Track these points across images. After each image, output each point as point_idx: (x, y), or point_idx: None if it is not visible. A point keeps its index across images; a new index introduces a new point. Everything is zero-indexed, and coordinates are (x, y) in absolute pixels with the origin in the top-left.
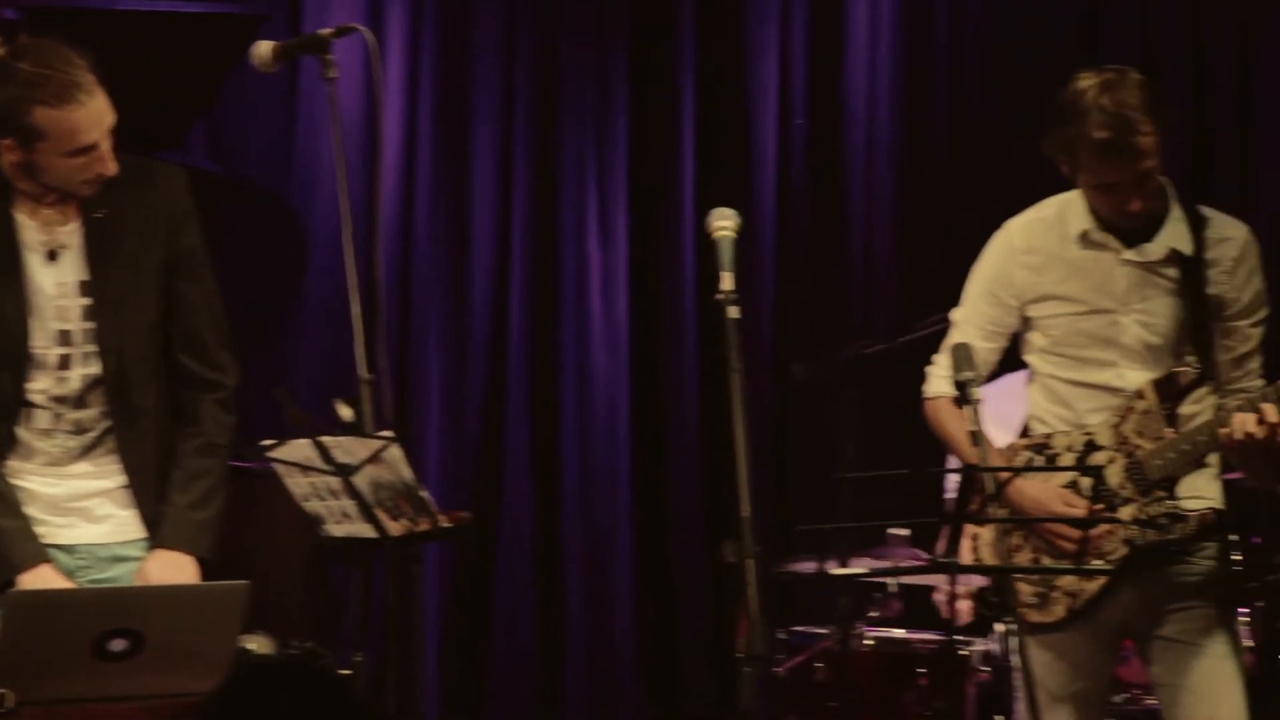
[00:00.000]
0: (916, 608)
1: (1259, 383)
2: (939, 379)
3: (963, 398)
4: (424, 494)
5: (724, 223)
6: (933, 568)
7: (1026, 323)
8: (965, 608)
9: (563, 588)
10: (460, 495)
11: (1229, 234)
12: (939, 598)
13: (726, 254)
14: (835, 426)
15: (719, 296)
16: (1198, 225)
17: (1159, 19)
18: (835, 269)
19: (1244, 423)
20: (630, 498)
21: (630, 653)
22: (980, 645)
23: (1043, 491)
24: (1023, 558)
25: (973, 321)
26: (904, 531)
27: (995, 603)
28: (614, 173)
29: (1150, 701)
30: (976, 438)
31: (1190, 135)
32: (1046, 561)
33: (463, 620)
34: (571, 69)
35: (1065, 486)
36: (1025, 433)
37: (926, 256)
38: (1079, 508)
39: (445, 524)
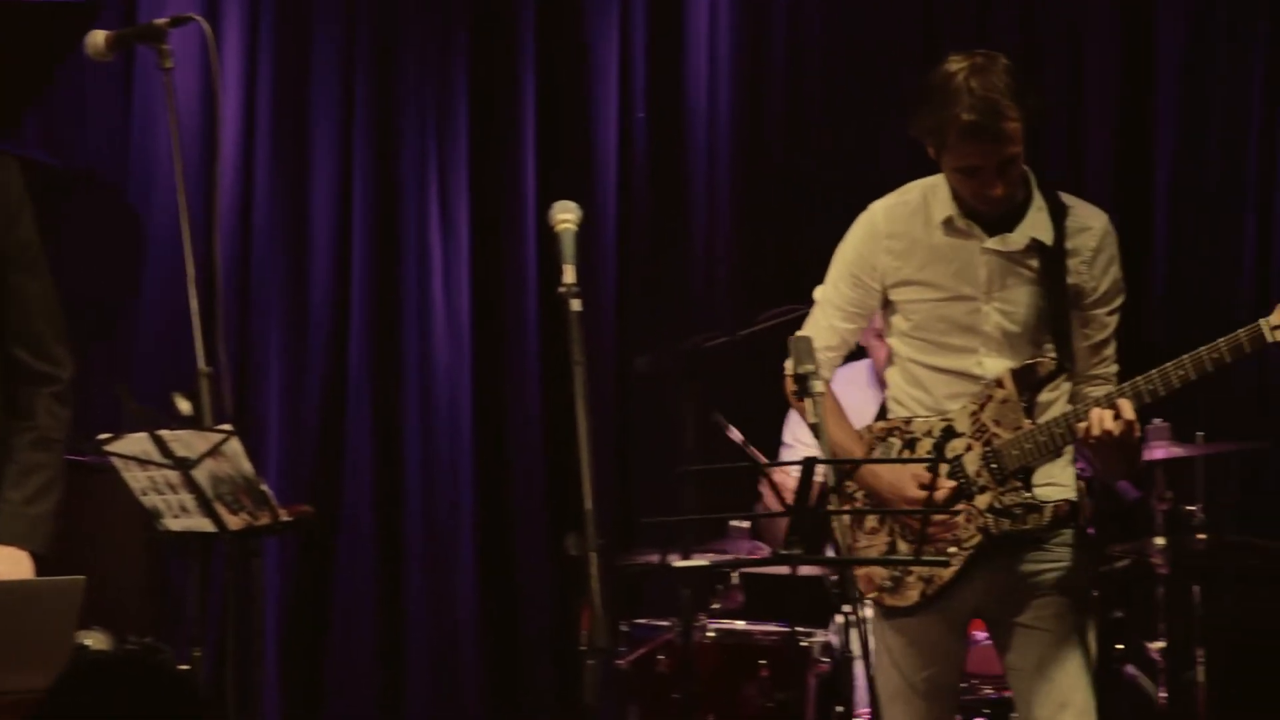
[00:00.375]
0: (758, 599)
1: (1114, 368)
2: None
3: (803, 390)
4: (264, 488)
5: (566, 216)
6: (775, 560)
7: (888, 306)
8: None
9: (404, 582)
10: (301, 489)
11: (1089, 224)
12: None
13: (569, 247)
14: (677, 419)
15: (561, 290)
16: (1058, 214)
17: (994, 14)
18: (677, 262)
19: (1101, 419)
20: (472, 491)
21: (472, 647)
22: (821, 636)
23: (897, 475)
24: (879, 540)
25: (834, 302)
26: (745, 523)
27: (836, 593)
28: (455, 166)
29: (987, 691)
30: (817, 430)
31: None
32: (902, 545)
33: (303, 616)
34: (412, 62)
35: (928, 467)
36: (883, 415)
37: (767, 249)
38: (941, 489)
39: (285, 518)
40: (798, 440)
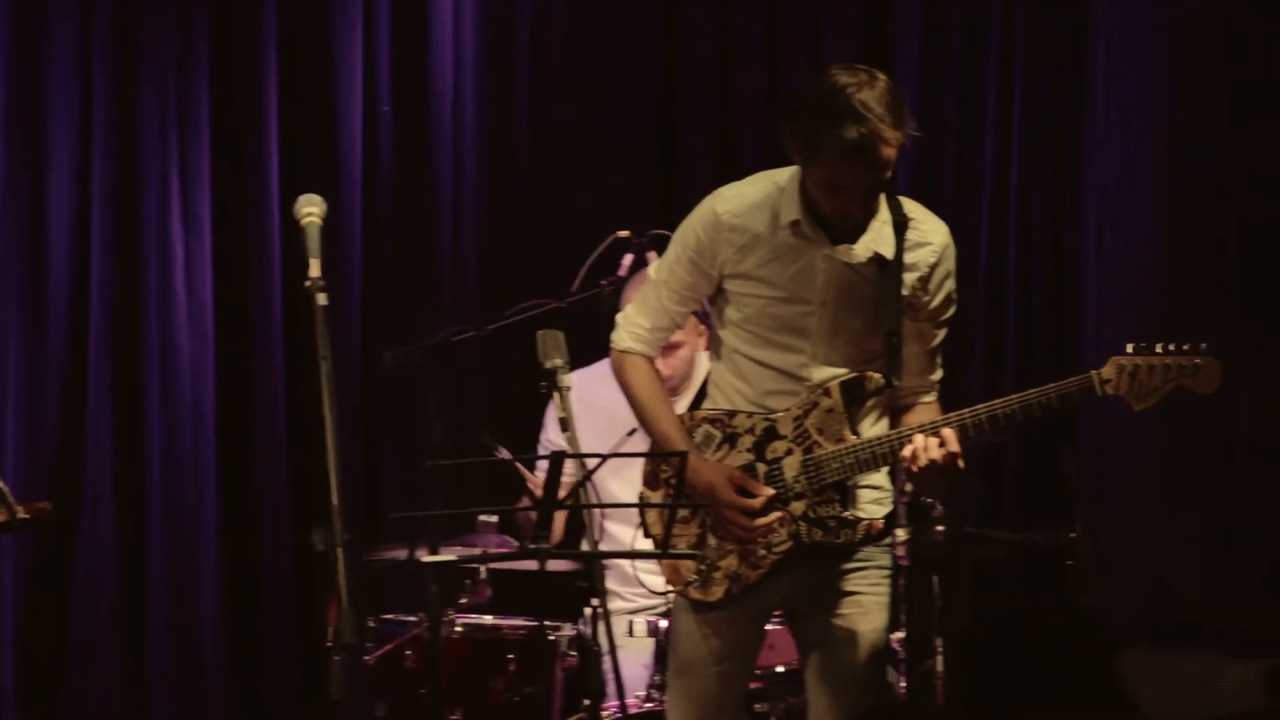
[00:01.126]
0: (506, 594)
1: (938, 375)
2: (629, 335)
3: (551, 385)
4: (1, 485)
5: (311, 209)
6: (523, 554)
7: (722, 294)
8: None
9: (147, 579)
10: (39, 486)
11: (929, 239)
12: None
13: (314, 240)
14: (425, 413)
15: (307, 283)
16: (901, 227)
17: (736, 16)
18: (424, 256)
19: (926, 446)
20: (216, 487)
21: (217, 644)
22: (568, 630)
23: (715, 472)
24: (690, 530)
25: (670, 285)
26: (493, 518)
27: (585, 587)
28: (197, 160)
29: (754, 685)
30: (565, 424)
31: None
32: (712, 540)
33: (42, 613)
34: (152, 52)
35: (743, 468)
36: (700, 401)
37: (514, 243)
38: (758, 497)
39: (24, 515)
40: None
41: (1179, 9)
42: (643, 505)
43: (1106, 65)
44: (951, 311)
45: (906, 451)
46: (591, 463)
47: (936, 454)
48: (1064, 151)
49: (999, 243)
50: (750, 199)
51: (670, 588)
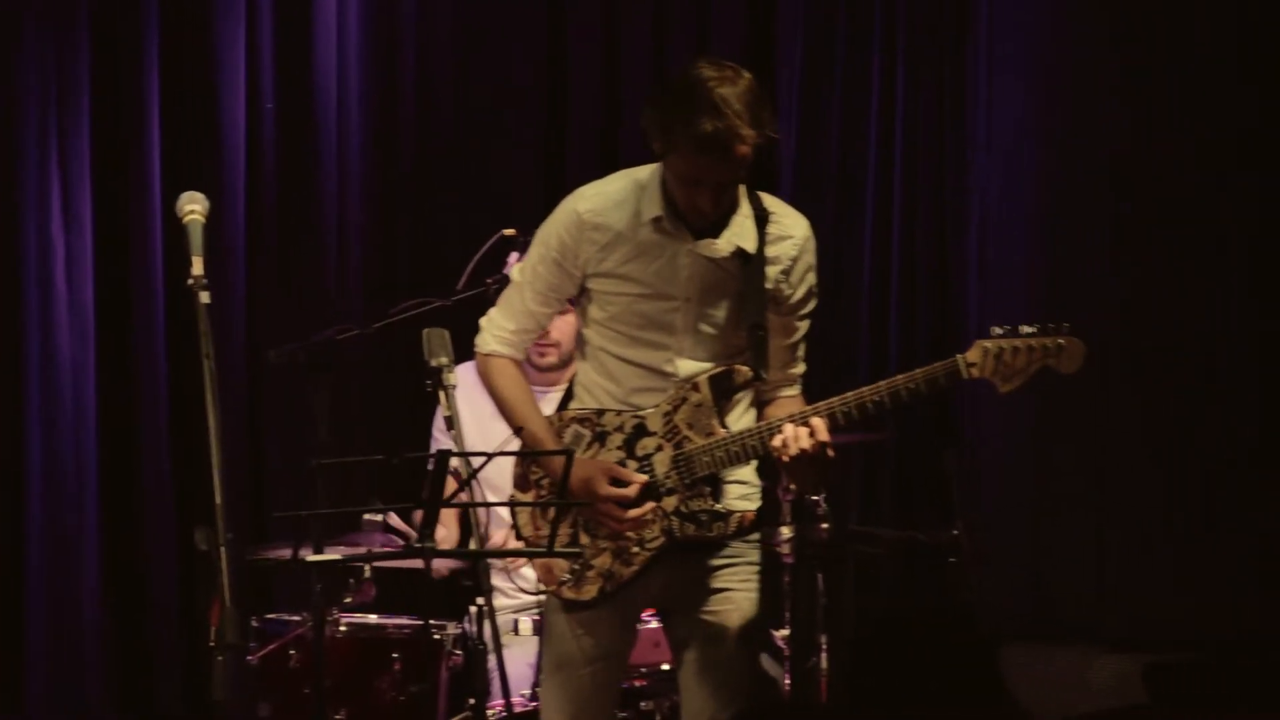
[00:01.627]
0: (391, 593)
1: (801, 368)
2: (493, 337)
3: (436, 383)
4: None
5: (193, 206)
6: (408, 553)
7: (585, 293)
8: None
9: (26, 580)
10: None
11: (790, 232)
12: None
13: (196, 238)
14: (310, 412)
15: (190, 282)
16: (762, 221)
17: (622, 15)
18: (309, 253)
19: (796, 436)
20: (97, 486)
21: (97, 643)
22: (454, 629)
23: (588, 468)
24: (562, 530)
25: (533, 285)
26: (379, 517)
27: (470, 585)
28: (77, 157)
29: (639, 683)
30: (450, 422)
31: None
32: (584, 538)
33: None
34: (32, 48)
35: (617, 462)
36: (567, 401)
37: (400, 241)
38: (632, 486)
39: None
40: (442, 433)
41: (1063, 12)
42: (517, 504)
43: (988, 69)
44: (813, 305)
45: (777, 441)
46: (477, 461)
47: (806, 443)
48: (946, 155)
49: (882, 246)
50: (612, 197)
51: (543, 587)
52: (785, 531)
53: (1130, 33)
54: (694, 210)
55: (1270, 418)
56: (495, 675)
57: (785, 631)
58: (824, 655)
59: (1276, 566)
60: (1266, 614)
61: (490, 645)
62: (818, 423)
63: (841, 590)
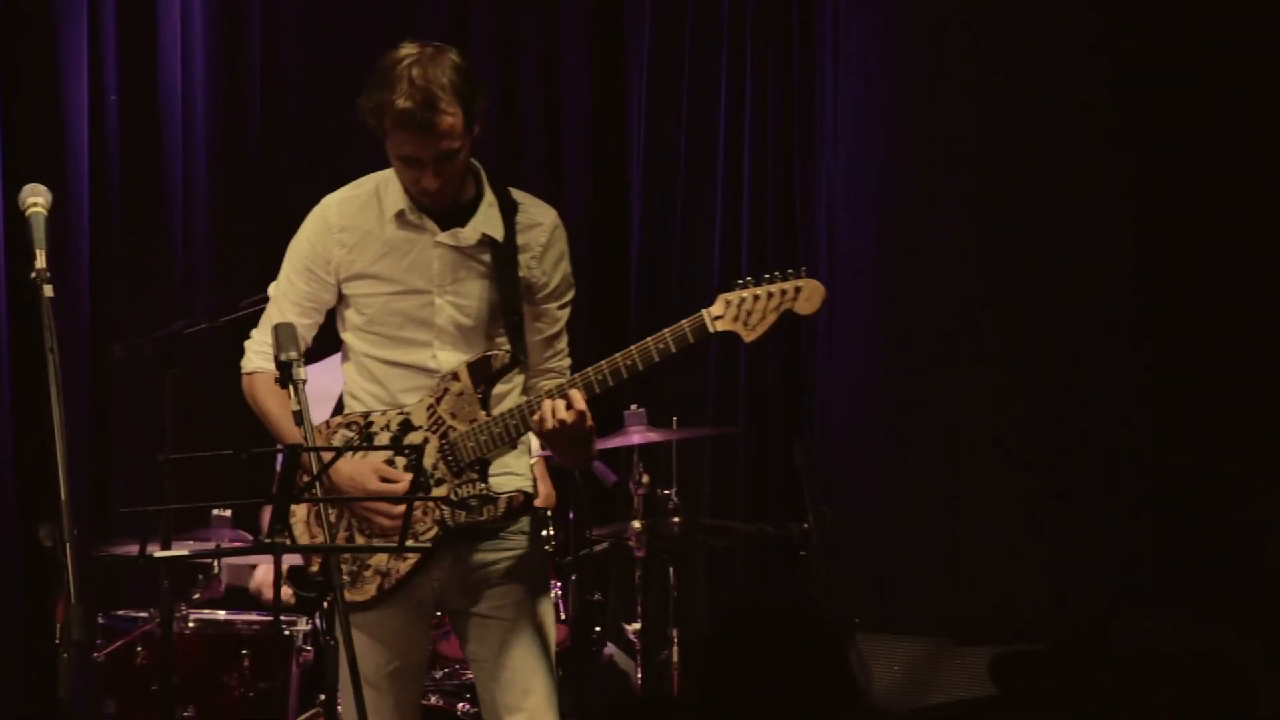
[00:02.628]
0: (241, 589)
1: (567, 361)
2: (257, 355)
3: (285, 377)
4: None
5: (36, 199)
6: (256, 548)
7: (343, 300)
8: (287, 592)
9: None
10: None
11: (539, 219)
12: (255, 585)
13: (39, 231)
14: (157, 407)
15: (33, 275)
16: (509, 210)
17: (470, 8)
18: (155, 246)
19: (554, 409)
20: None
21: None
22: (304, 625)
23: (357, 468)
24: (338, 537)
25: (289, 297)
26: (227, 512)
27: (319, 581)
28: None
29: (470, 676)
30: (300, 417)
31: (500, 121)
32: (359, 538)
33: None
34: None
35: (386, 460)
36: (339, 410)
37: (247, 234)
38: (399, 483)
39: None
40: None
41: (906, 8)
42: (378, 498)
43: (835, 63)
44: (571, 295)
45: (536, 416)
46: (328, 456)
47: (565, 415)
48: (795, 147)
49: (732, 237)
50: (357, 199)
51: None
52: (636, 525)
53: (971, 26)
54: (422, 193)
55: (1122, 410)
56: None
57: (637, 625)
58: (675, 649)
59: (1124, 559)
60: (1113, 606)
61: (341, 641)
62: (574, 394)
63: (693, 584)
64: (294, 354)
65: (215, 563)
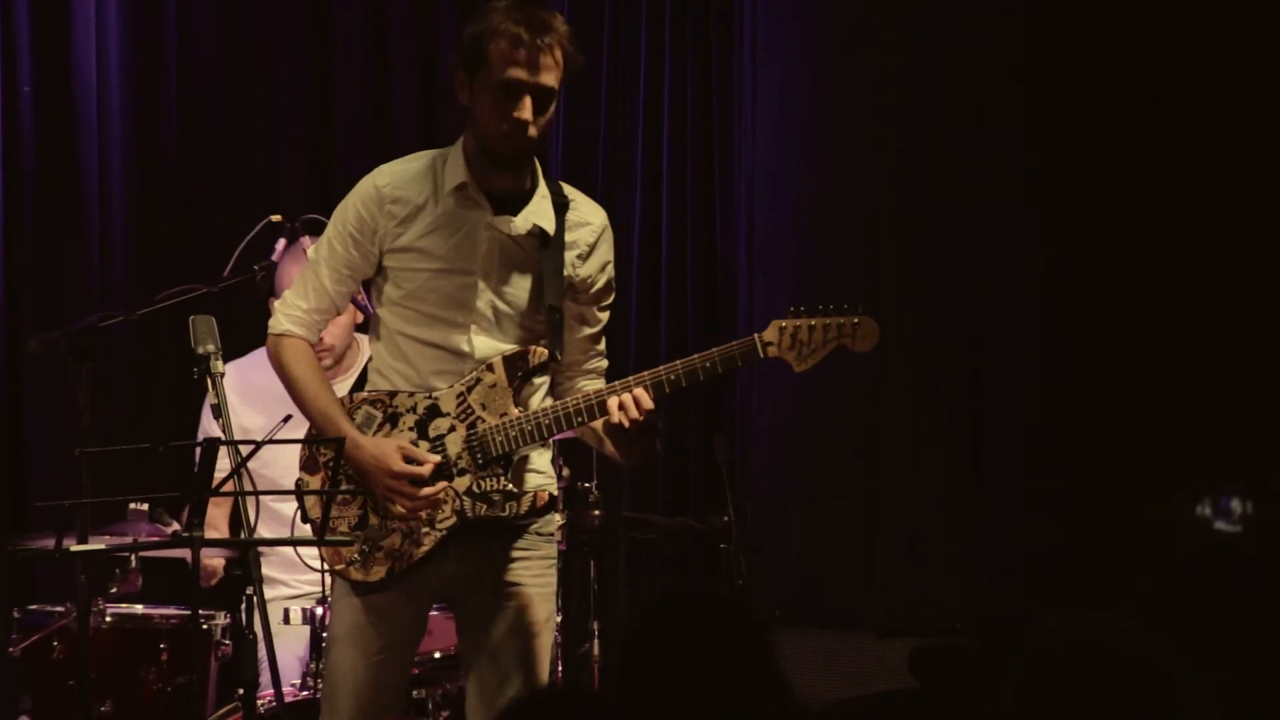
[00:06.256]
0: (158, 582)
1: (605, 364)
2: (287, 318)
3: (203, 371)
4: None
5: None
6: (175, 542)
7: (382, 272)
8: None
9: None
10: None
11: (588, 219)
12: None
13: None
14: (72, 400)
15: None
16: (561, 207)
17: (388, 14)
18: (71, 239)
19: (626, 405)
20: None
21: None
22: (222, 619)
23: (381, 447)
24: (350, 512)
25: (329, 263)
26: (144, 506)
27: (239, 575)
28: None
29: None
30: (218, 410)
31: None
32: (374, 520)
33: None
34: None
35: (409, 443)
36: (361, 385)
37: (164, 227)
38: (426, 465)
39: None
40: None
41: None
42: (299, 492)
43: (753, 56)
44: (612, 298)
45: (613, 403)
46: (247, 449)
47: (635, 413)
48: (714, 140)
49: (651, 229)
50: (412, 171)
51: (329, 567)
52: (557, 518)
53: (887, 20)
54: (514, 134)
55: (1036, 407)
56: (265, 665)
57: (557, 618)
58: (596, 642)
59: (1039, 554)
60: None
61: (261, 635)
62: (641, 393)
63: (614, 577)
64: (211, 347)
65: (131, 557)
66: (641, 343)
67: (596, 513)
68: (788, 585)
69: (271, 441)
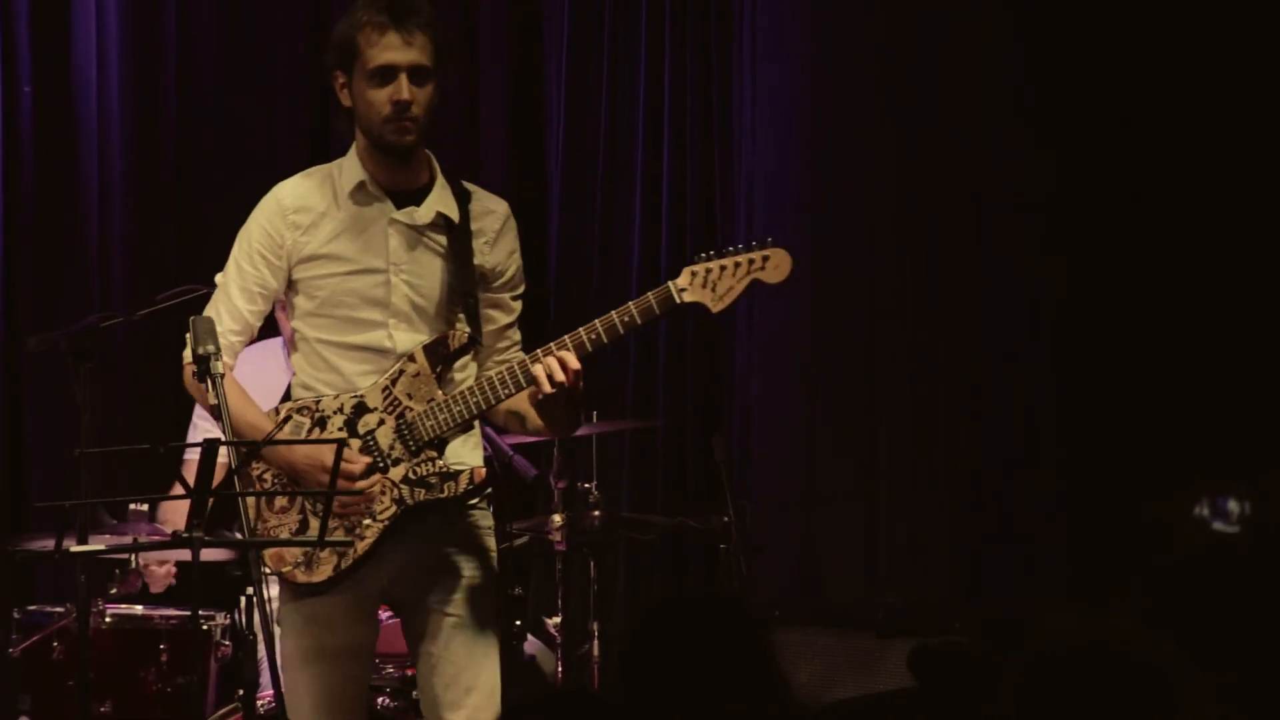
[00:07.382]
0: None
1: (521, 355)
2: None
3: (204, 371)
4: None
5: None
6: (175, 543)
7: (293, 286)
8: (164, 572)
9: None
10: None
11: (492, 208)
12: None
13: None
14: (72, 400)
15: None
16: (463, 197)
17: None
18: (71, 239)
19: (551, 370)
20: None
21: None
22: (222, 619)
23: (313, 448)
24: (290, 518)
25: (239, 283)
26: (144, 507)
27: (239, 575)
28: None
29: (389, 670)
30: (217, 411)
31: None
32: (314, 522)
33: None
34: None
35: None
36: (288, 399)
37: (164, 228)
38: (357, 464)
39: None
40: (203, 419)
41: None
42: (297, 492)
43: (752, 56)
44: (523, 287)
45: (538, 369)
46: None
47: (562, 375)
48: (714, 141)
49: (651, 230)
50: (310, 182)
51: (272, 570)
52: (557, 519)
53: (887, 20)
54: (399, 123)
55: (1036, 406)
56: (265, 665)
57: (557, 619)
58: (596, 642)
59: (1039, 554)
60: (1027, 600)
61: (260, 636)
62: (568, 356)
63: (613, 577)
64: (211, 348)
65: (132, 557)
66: (641, 342)
67: (596, 513)
68: (788, 585)
69: (272, 442)
